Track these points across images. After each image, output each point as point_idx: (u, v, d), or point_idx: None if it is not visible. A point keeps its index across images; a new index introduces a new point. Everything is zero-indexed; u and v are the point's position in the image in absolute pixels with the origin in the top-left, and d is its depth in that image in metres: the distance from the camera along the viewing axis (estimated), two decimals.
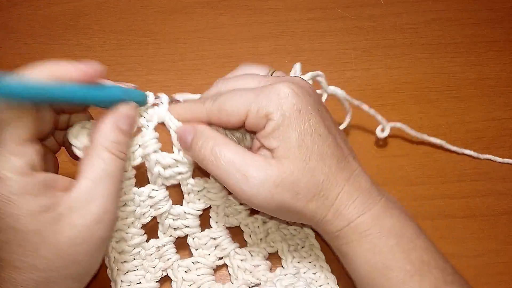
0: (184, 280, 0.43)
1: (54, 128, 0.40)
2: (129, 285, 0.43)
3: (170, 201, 0.43)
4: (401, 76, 0.58)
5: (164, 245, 0.44)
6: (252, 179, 0.37)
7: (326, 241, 0.42)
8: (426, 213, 0.50)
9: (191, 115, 0.41)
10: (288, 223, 0.46)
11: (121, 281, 0.42)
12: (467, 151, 0.52)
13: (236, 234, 0.46)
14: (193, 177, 0.43)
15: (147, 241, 0.44)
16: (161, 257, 0.44)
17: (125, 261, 0.43)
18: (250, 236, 0.45)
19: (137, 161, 0.41)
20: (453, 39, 0.60)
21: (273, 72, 0.43)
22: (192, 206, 0.44)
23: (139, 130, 0.41)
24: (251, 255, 0.45)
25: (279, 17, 0.61)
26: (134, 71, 0.57)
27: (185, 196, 0.43)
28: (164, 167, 0.41)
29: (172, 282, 0.44)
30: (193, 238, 0.44)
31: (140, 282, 0.43)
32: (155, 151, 0.40)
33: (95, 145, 0.36)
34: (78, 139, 0.38)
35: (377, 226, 0.38)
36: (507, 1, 0.63)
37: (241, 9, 0.61)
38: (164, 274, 0.44)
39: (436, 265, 0.38)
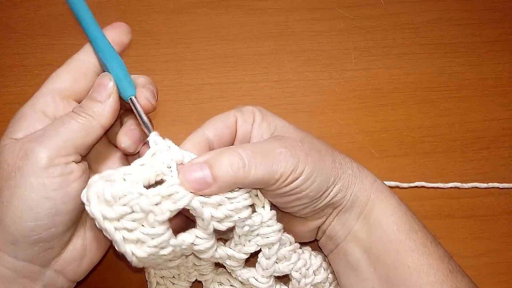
0: None
1: None
2: (162, 277, 0.43)
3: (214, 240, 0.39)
4: (401, 76, 0.58)
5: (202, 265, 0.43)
6: (272, 158, 0.37)
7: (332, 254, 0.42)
8: (426, 213, 0.50)
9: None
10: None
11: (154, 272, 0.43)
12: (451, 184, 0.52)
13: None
14: None
15: (187, 256, 0.43)
16: (198, 269, 0.44)
17: None
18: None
19: (166, 216, 0.34)
20: (453, 39, 0.60)
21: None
22: (240, 248, 0.40)
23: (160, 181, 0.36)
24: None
25: (279, 17, 0.61)
26: (134, 71, 0.57)
27: (235, 238, 0.39)
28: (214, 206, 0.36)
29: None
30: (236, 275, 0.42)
31: (174, 277, 0.44)
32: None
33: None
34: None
35: (393, 192, 0.41)
36: (507, 1, 0.63)
37: (241, 9, 0.61)
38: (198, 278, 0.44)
39: (444, 256, 0.40)
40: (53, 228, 0.35)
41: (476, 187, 0.51)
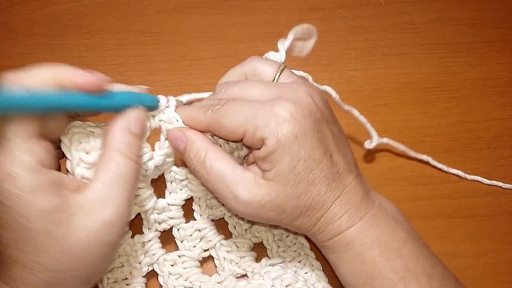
0: (170, 274, 0.44)
1: None
2: (115, 282, 0.43)
3: (155, 197, 0.43)
4: (401, 76, 0.58)
5: (149, 240, 0.44)
6: (240, 197, 0.38)
7: None
8: (426, 213, 0.50)
9: (191, 123, 0.41)
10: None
11: (107, 278, 0.43)
12: (454, 170, 0.52)
13: (221, 226, 0.46)
14: (176, 166, 0.43)
15: (132, 237, 0.44)
16: (147, 252, 0.44)
17: None
18: (235, 227, 0.46)
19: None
20: (453, 39, 0.60)
21: (282, 69, 0.42)
22: (175, 196, 0.44)
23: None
24: (237, 246, 0.45)
25: (279, 17, 0.61)
26: (134, 71, 0.57)
27: (168, 185, 0.44)
28: (150, 158, 0.41)
29: (159, 276, 0.44)
30: (178, 230, 0.45)
31: (126, 278, 0.43)
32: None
33: (108, 148, 0.36)
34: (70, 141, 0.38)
35: (360, 239, 0.39)
36: (507, 1, 0.63)
37: (241, 9, 0.61)
38: (150, 268, 0.44)
39: (423, 271, 0.38)
40: None
41: (478, 181, 0.51)
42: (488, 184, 0.51)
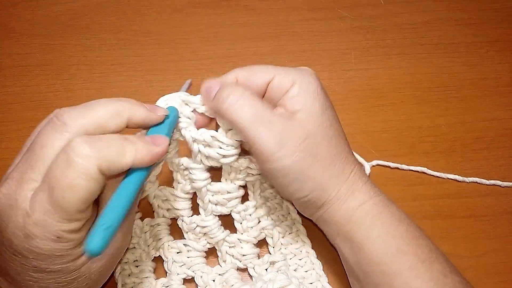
0: (174, 261, 0.44)
1: None
2: (126, 262, 0.44)
3: (157, 183, 0.45)
4: (401, 76, 0.58)
5: (158, 224, 0.45)
6: (277, 134, 0.37)
7: (325, 234, 0.42)
8: (426, 213, 0.50)
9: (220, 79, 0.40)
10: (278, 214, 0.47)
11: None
12: (451, 176, 0.52)
13: (226, 221, 0.46)
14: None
15: (142, 219, 0.45)
16: (155, 236, 0.45)
17: None
18: (240, 223, 0.46)
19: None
20: (453, 39, 0.60)
21: None
22: (181, 187, 0.44)
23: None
24: (240, 242, 0.45)
25: (279, 17, 0.61)
26: (134, 71, 0.57)
27: (174, 175, 0.44)
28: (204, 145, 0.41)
29: (164, 262, 0.45)
30: (182, 221, 0.45)
31: (136, 260, 0.44)
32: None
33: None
34: None
35: (387, 211, 0.39)
36: (507, 1, 0.63)
37: (241, 9, 0.61)
38: (158, 254, 0.45)
39: (441, 254, 0.39)
40: None
41: (476, 182, 0.51)
42: (487, 185, 0.51)
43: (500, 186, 0.51)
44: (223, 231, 0.45)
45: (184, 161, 0.42)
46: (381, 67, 0.58)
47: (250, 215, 0.45)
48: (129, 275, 0.44)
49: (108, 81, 0.56)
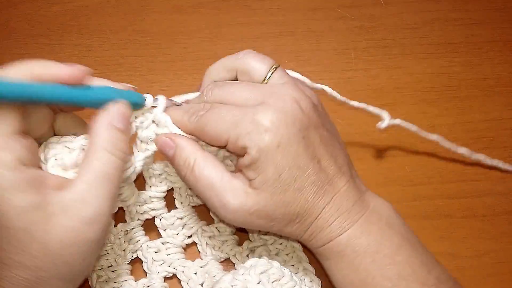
0: (154, 260, 0.45)
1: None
2: (101, 269, 0.44)
3: (137, 192, 0.44)
4: (401, 76, 0.58)
5: (133, 229, 0.45)
6: (229, 206, 0.38)
7: None
8: (426, 213, 0.50)
9: (178, 126, 0.41)
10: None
11: (93, 265, 0.44)
12: (461, 149, 0.50)
13: (202, 211, 0.47)
14: (153, 162, 0.44)
15: (115, 226, 0.45)
16: (130, 240, 0.45)
17: None
18: None
19: None
20: (453, 39, 0.60)
21: (275, 68, 0.42)
22: (155, 189, 0.45)
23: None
24: (219, 231, 0.46)
25: (279, 17, 0.61)
26: (134, 71, 0.57)
27: (147, 180, 0.45)
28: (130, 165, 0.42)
29: (143, 263, 0.45)
30: (160, 219, 0.46)
31: (111, 265, 0.44)
32: None
33: (92, 146, 0.36)
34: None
35: (352, 246, 0.39)
36: (507, 1, 0.63)
37: (241, 9, 0.61)
38: (135, 256, 0.45)
39: (416, 279, 0.38)
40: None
41: (481, 161, 0.51)
42: (490, 165, 0.51)
43: (501, 168, 0.51)
44: (200, 221, 0.46)
45: (159, 166, 0.44)
46: (381, 67, 0.58)
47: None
48: (106, 281, 0.44)
49: None
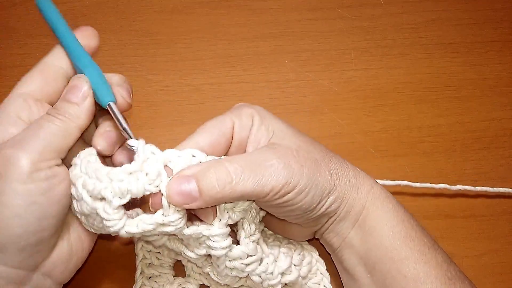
0: None
1: None
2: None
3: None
4: (401, 76, 0.58)
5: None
6: (278, 164, 0.36)
7: (327, 249, 0.43)
8: (426, 213, 0.50)
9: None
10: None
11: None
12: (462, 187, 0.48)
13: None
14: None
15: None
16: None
17: None
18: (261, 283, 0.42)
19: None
20: (453, 39, 0.60)
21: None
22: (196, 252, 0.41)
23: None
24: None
25: (279, 17, 0.61)
26: (134, 71, 0.57)
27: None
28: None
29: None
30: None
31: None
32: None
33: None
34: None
35: (392, 197, 0.41)
36: (507, 1, 0.63)
37: (241, 9, 0.61)
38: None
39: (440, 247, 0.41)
40: (40, 233, 0.35)
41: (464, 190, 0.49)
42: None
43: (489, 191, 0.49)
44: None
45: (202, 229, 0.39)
46: (381, 67, 0.58)
47: (271, 273, 0.41)
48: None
49: None
